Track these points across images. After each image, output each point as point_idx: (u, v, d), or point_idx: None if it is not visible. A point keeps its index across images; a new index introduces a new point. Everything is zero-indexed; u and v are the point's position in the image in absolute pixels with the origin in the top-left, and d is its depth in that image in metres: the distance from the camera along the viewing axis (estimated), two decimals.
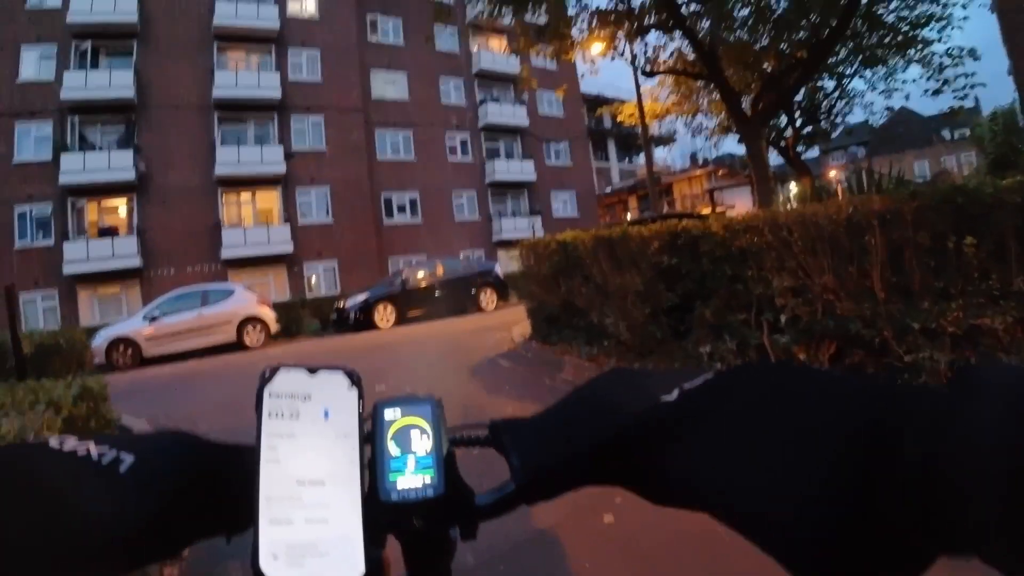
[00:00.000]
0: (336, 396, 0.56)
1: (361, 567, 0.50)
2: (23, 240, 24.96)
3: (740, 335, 5.67)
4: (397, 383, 7.68)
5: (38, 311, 24.19)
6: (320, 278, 29.18)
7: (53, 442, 0.51)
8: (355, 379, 0.58)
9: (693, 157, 46.32)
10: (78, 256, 24.75)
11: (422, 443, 0.58)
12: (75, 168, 24.81)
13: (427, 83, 34.15)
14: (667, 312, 6.66)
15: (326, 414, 0.55)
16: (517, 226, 33.24)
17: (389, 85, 33.09)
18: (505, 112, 35.79)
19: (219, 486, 0.54)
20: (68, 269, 24.62)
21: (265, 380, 0.55)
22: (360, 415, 0.57)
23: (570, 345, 8.54)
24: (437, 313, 18.41)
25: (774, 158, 20.39)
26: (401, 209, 32.20)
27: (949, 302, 4.19)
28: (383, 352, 11.60)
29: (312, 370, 0.57)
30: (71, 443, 0.51)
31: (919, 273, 4.35)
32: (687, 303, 6.45)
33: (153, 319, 16.31)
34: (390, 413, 0.59)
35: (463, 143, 34.98)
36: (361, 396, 0.57)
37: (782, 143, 21.07)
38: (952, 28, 15.60)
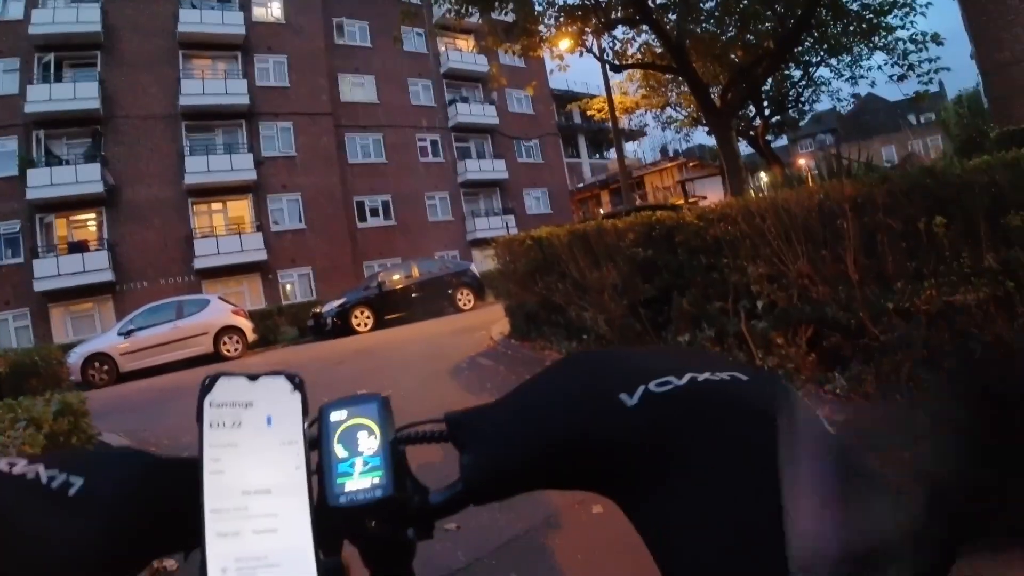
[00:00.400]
0: (279, 402, 0.55)
1: (312, 574, 0.49)
2: None
3: (718, 323, 5.71)
4: (377, 387, 7.57)
5: (9, 330, 23.77)
6: (295, 285, 28.96)
7: (1, 465, 0.50)
8: (297, 383, 0.56)
9: (663, 150, 46.68)
10: (49, 273, 24.28)
11: (369, 443, 0.57)
12: (42, 183, 24.33)
13: (396, 85, 34.03)
14: (645, 304, 6.69)
15: (269, 420, 0.54)
16: (491, 225, 33.27)
17: (358, 88, 32.95)
18: (475, 111, 35.78)
19: (169, 502, 0.53)
20: (39, 286, 24.15)
21: (205, 389, 0.54)
22: (303, 419, 0.55)
23: (550, 341, 8.57)
24: (415, 315, 18.33)
25: (744, 148, 20.61)
26: (374, 212, 32.09)
27: (922, 282, 4.25)
28: (362, 357, 11.57)
29: (252, 377, 0.56)
30: (20, 466, 0.50)
31: (892, 255, 4.40)
32: (665, 294, 6.49)
33: (128, 333, 16.09)
34: (336, 415, 0.58)
35: (434, 144, 34.91)
36: (305, 400, 0.56)
37: (751, 133, 21.29)
38: (915, 14, 15.83)
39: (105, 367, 15.54)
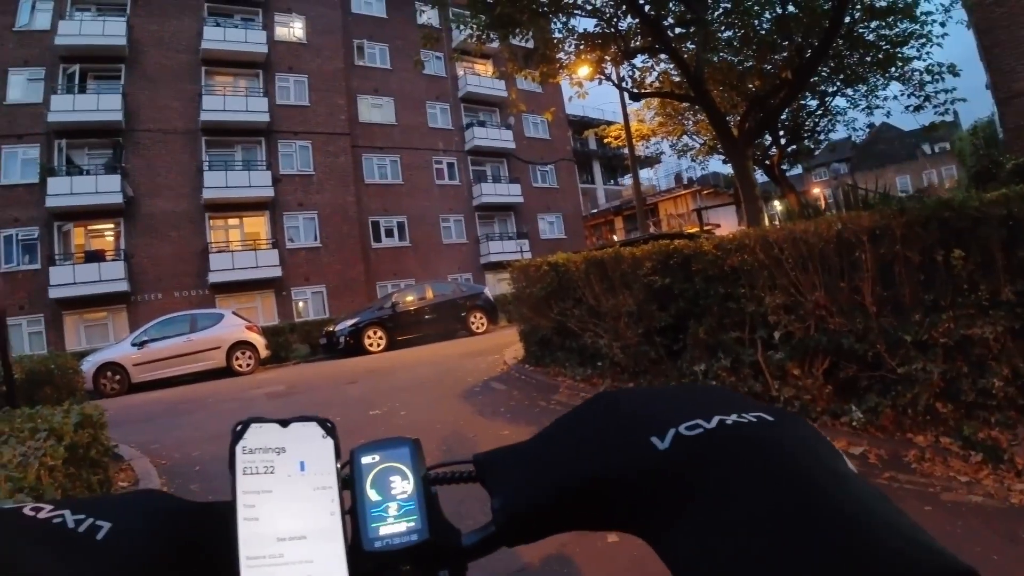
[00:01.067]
0: (311, 447, 0.56)
1: None
2: (9, 264, 24.72)
3: (734, 353, 5.71)
4: (391, 408, 7.66)
5: (23, 336, 23.84)
6: (308, 303, 29.01)
7: (28, 509, 0.50)
8: (329, 428, 0.57)
9: (678, 177, 46.61)
10: (64, 280, 24.46)
11: (402, 486, 0.57)
12: (62, 191, 24.59)
13: (414, 107, 34.24)
14: (660, 332, 6.69)
15: (302, 466, 0.55)
16: (505, 248, 33.34)
17: (376, 109, 33.17)
18: (491, 135, 35.92)
19: (198, 547, 0.53)
20: (54, 293, 24.33)
21: (237, 436, 0.54)
22: (337, 464, 0.56)
23: (564, 367, 8.56)
24: (427, 337, 18.39)
25: (758, 176, 20.62)
26: (389, 233, 32.19)
27: (940, 314, 4.25)
28: (374, 377, 11.55)
29: (284, 423, 0.56)
30: (47, 511, 0.50)
31: (909, 287, 4.41)
32: (680, 322, 6.49)
33: (141, 344, 16.16)
34: (368, 458, 0.58)
35: (450, 166, 35.05)
36: (337, 445, 0.57)
37: (767, 161, 21.28)
38: (932, 45, 15.85)
39: (117, 377, 15.62)
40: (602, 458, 0.53)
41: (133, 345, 16.23)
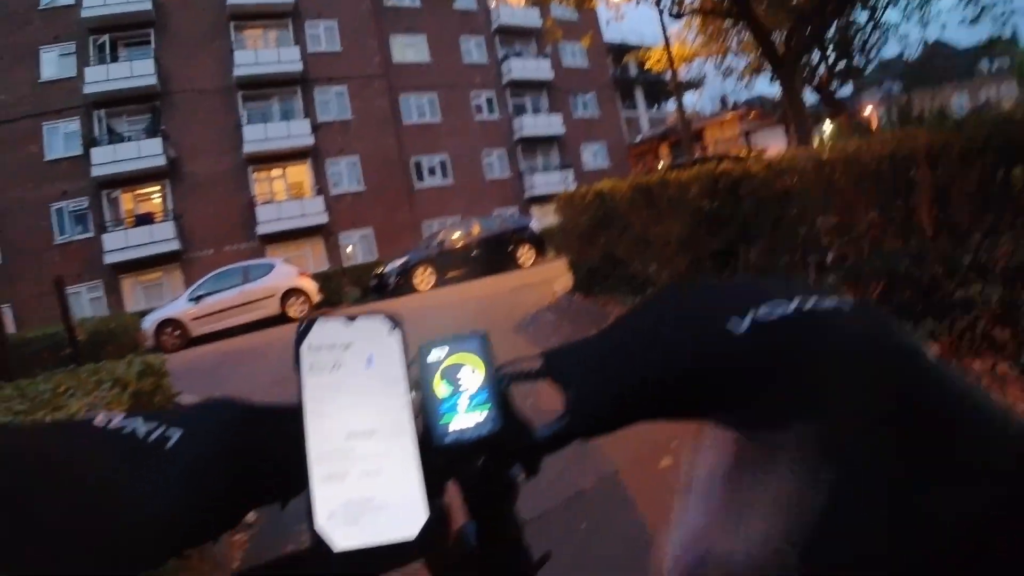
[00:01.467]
0: (378, 342, 0.54)
1: (422, 516, 0.48)
2: (63, 235, 25.67)
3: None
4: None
5: (84, 303, 24.73)
6: (357, 246, 29.38)
7: (99, 420, 0.50)
8: (396, 322, 0.55)
9: (723, 100, 45.44)
10: (118, 245, 25.39)
11: (473, 379, 0.55)
12: (106, 160, 25.32)
13: (448, 44, 33.80)
14: (710, 258, 6.63)
15: (370, 361, 0.53)
16: (548, 181, 33.07)
17: (409, 49, 32.80)
18: (529, 67, 35.34)
19: (268, 451, 0.52)
20: (109, 259, 25.29)
21: (302, 334, 0.53)
22: (405, 359, 0.54)
23: (613, 296, 8.54)
24: (476, 272, 18.39)
25: (806, 97, 20.00)
26: (432, 172, 32.15)
27: (999, 236, 4.12)
28: (424, 314, 11.64)
29: (350, 318, 0.55)
30: (117, 420, 0.50)
31: (967, 207, 4.27)
32: (731, 248, 6.41)
33: (197, 299, 16.60)
34: (436, 353, 0.56)
35: (489, 101, 34.66)
36: (404, 339, 0.55)
37: (815, 81, 20.59)
38: None
39: (177, 332, 16.09)
40: (675, 343, 0.51)
41: (190, 300, 16.69)
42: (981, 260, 4.17)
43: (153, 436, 0.49)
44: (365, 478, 0.48)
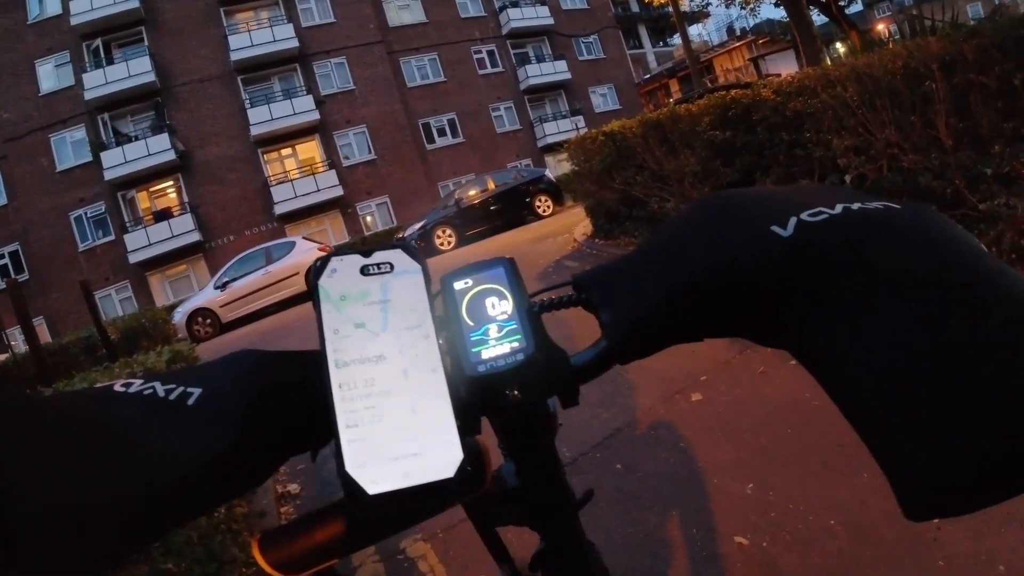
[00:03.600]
0: (398, 275, 0.51)
1: (459, 455, 0.45)
2: (85, 242, 26.07)
3: None
4: None
5: (114, 304, 25.33)
6: (375, 215, 29.43)
7: (118, 386, 0.50)
8: (414, 253, 0.53)
9: (730, 29, 44.56)
10: (140, 244, 25.69)
11: (501, 307, 0.52)
12: (117, 162, 25.51)
13: (442, 0, 33.30)
14: (727, 188, 6.55)
15: (391, 295, 0.50)
16: (560, 128, 32.58)
17: (404, 11, 32.31)
18: (527, 14, 34.61)
19: (293, 399, 0.51)
20: (133, 258, 25.66)
21: (317, 271, 0.50)
22: (428, 292, 0.51)
23: (634, 236, 8.53)
24: (495, 227, 18.45)
25: (815, 17, 19.46)
26: (441, 132, 31.89)
27: (1021, 143, 4.02)
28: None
29: (366, 253, 0.52)
30: (137, 384, 0.50)
31: (987, 116, 4.16)
32: (747, 176, 6.35)
33: (224, 286, 16.72)
34: (461, 283, 0.54)
35: (491, 54, 34.12)
36: (426, 271, 0.52)
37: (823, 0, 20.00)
38: None
39: (208, 320, 16.29)
40: (719, 250, 0.48)
41: (216, 288, 16.83)
42: (1004, 170, 4.07)
43: (174, 394, 0.48)
44: (394, 418, 0.46)
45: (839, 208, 0.46)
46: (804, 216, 0.46)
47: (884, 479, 0.37)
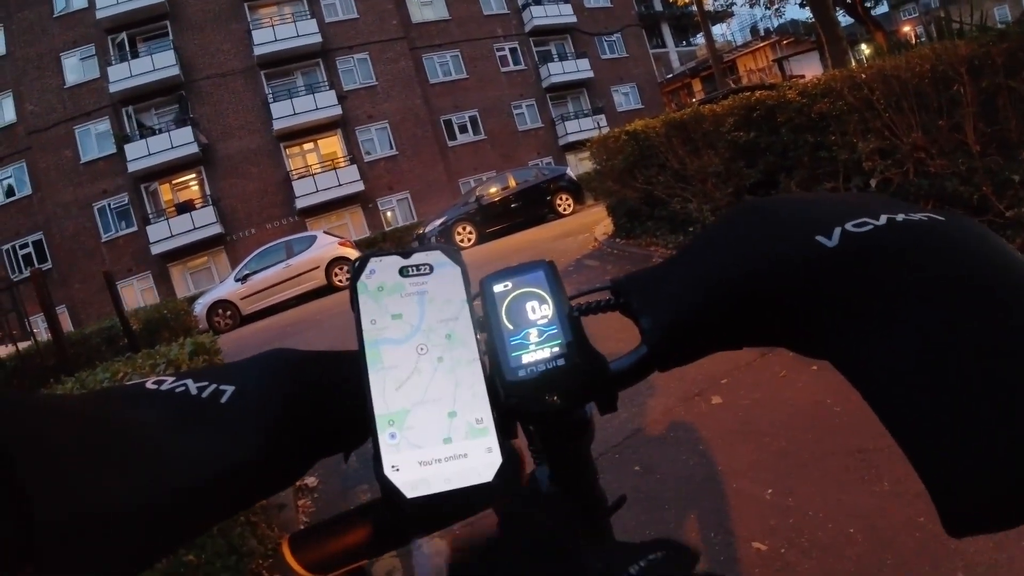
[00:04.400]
0: (438, 276, 0.51)
1: (499, 459, 0.45)
2: (108, 232, 26.42)
3: None
4: None
5: (136, 295, 25.55)
6: (395, 211, 29.52)
7: (150, 384, 0.49)
8: (454, 256, 0.53)
9: (754, 29, 44.26)
10: (162, 236, 26.01)
11: (541, 311, 0.51)
12: (141, 155, 25.82)
13: None
14: (750, 189, 6.54)
15: (430, 297, 0.50)
16: (582, 127, 32.51)
17: (427, 7, 32.34)
18: (550, 12, 34.54)
19: (327, 400, 0.50)
20: (155, 250, 25.97)
21: (357, 272, 0.50)
22: (468, 293, 0.51)
23: (655, 236, 8.49)
24: (516, 225, 18.42)
25: (840, 18, 19.31)
26: (463, 129, 31.92)
27: None
28: (471, 270, 11.68)
29: (405, 255, 0.52)
30: (169, 383, 0.49)
31: (1015, 121, 4.10)
32: (770, 178, 6.31)
33: (244, 279, 16.88)
34: (500, 286, 0.53)
35: (513, 51, 34.09)
36: (465, 272, 0.52)
37: (848, 0, 19.84)
38: None
39: (228, 312, 16.45)
40: (761, 258, 0.48)
41: (237, 280, 16.98)
42: None
43: (207, 392, 0.48)
44: (433, 419, 0.45)
45: (883, 219, 0.45)
46: (848, 227, 0.45)
47: (903, 487, 0.37)
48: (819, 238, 0.45)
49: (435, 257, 0.52)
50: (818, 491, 2.67)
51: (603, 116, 33.44)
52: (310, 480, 4.33)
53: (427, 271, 0.51)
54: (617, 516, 0.70)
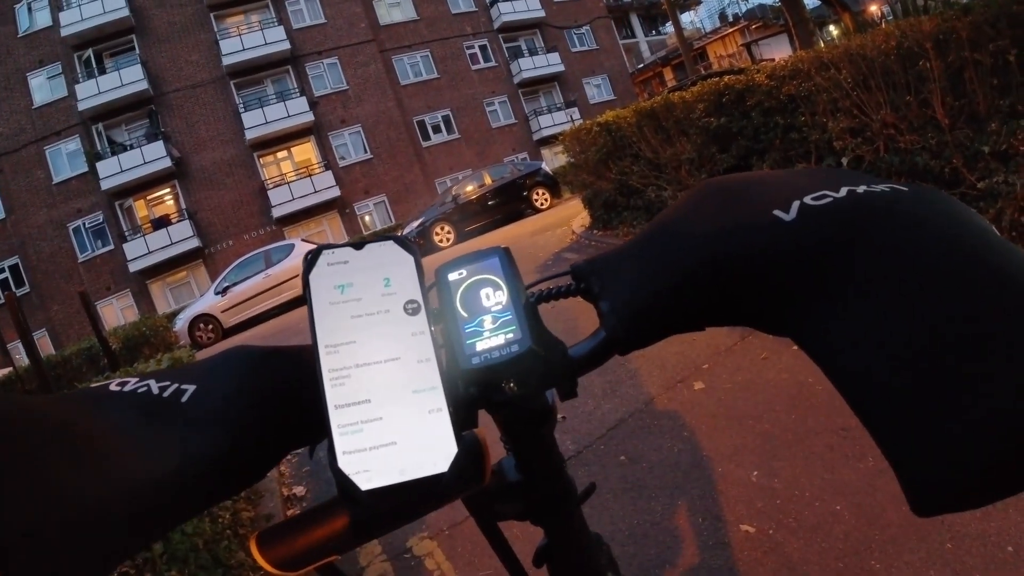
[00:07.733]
0: (391, 267, 0.50)
1: (453, 449, 0.44)
2: (85, 252, 26.17)
3: None
4: None
5: (116, 313, 25.40)
6: (373, 214, 29.45)
7: (114, 386, 0.49)
8: (407, 246, 0.52)
9: (723, 15, 44.42)
10: (139, 253, 25.78)
11: (496, 298, 0.51)
12: (113, 172, 25.58)
13: None
14: (724, 174, 6.55)
15: (384, 287, 0.50)
16: (555, 121, 32.51)
17: (395, 8, 32.26)
18: (518, 7, 34.49)
19: (289, 394, 0.50)
20: (133, 267, 25.73)
21: (309, 264, 0.49)
22: (421, 283, 0.51)
23: (632, 226, 8.53)
24: (494, 222, 18.39)
25: (808, 1, 19.42)
26: (436, 129, 31.86)
27: (1018, 120, 3.99)
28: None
29: (358, 246, 0.51)
30: (132, 383, 0.49)
31: (982, 93, 4.13)
32: (743, 162, 6.34)
33: (224, 291, 16.71)
34: (454, 275, 0.53)
35: (483, 49, 34.05)
36: (419, 263, 0.51)
37: None
38: None
39: (210, 326, 16.26)
40: (720, 236, 0.47)
41: (216, 293, 16.82)
42: (1001, 147, 4.05)
43: (168, 392, 0.48)
44: (387, 412, 0.45)
45: (844, 191, 0.45)
46: (807, 200, 0.45)
47: (887, 463, 0.37)
48: (777, 212, 0.45)
49: (388, 248, 0.51)
50: (803, 471, 2.68)
51: (576, 109, 33.53)
52: (298, 489, 4.30)
53: (381, 261, 0.51)
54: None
